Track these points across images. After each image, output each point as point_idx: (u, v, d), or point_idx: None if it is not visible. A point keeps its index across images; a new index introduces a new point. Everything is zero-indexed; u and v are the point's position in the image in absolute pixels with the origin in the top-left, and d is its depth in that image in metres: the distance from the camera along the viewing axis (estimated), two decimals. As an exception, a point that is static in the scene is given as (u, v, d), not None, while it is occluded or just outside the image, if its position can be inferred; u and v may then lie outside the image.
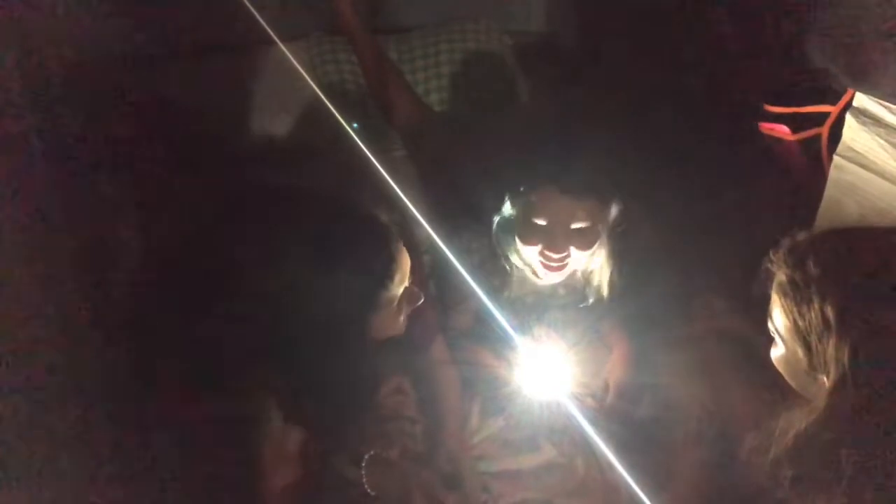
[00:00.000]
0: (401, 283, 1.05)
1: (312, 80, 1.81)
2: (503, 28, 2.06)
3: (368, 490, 1.11)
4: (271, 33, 1.49)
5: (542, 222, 1.20)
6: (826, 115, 1.53)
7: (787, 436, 0.85)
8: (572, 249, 1.22)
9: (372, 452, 1.14)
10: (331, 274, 0.94)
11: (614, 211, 1.24)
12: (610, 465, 1.20)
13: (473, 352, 1.44)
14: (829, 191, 1.42)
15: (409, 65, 1.95)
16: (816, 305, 0.83)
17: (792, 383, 0.94)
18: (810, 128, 1.58)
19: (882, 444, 0.77)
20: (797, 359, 0.90)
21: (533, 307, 1.44)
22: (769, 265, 0.93)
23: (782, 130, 1.63)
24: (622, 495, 1.20)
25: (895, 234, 0.90)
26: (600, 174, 1.18)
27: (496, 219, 1.28)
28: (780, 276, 0.91)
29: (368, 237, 1.01)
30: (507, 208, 1.25)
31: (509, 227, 1.27)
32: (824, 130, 1.53)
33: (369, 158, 1.59)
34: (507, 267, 1.35)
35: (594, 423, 1.22)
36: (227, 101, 1.83)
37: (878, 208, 1.34)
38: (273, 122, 1.83)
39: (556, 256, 1.22)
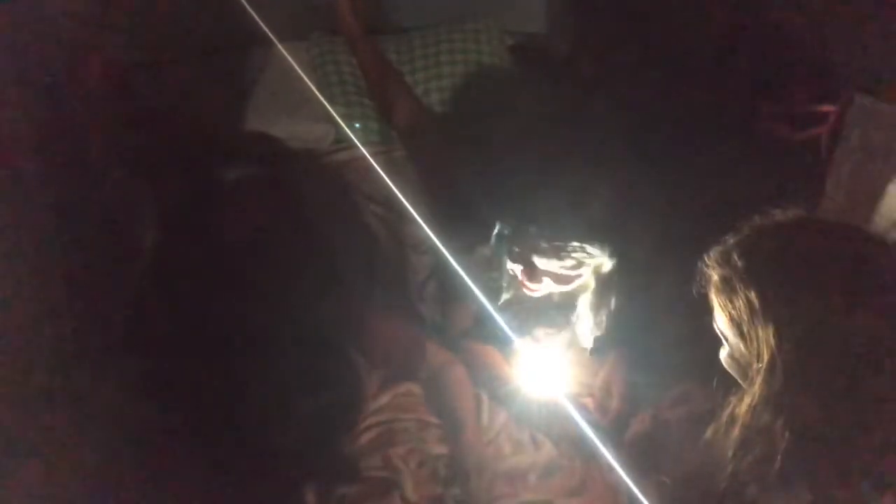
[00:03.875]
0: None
1: (312, 80, 1.80)
2: (503, 28, 2.06)
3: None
4: (270, 35, 1.49)
5: (522, 254, 1.22)
6: (828, 114, 1.53)
7: (734, 426, 0.89)
8: (548, 280, 1.25)
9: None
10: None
11: (606, 264, 1.23)
12: (610, 466, 1.20)
13: (474, 352, 1.44)
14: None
15: (409, 65, 1.95)
16: (742, 295, 0.88)
17: (740, 380, 0.96)
18: (811, 127, 1.59)
19: (808, 421, 0.81)
20: (740, 353, 0.93)
21: (531, 308, 1.44)
22: (705, 268, 0.97)
23: (784, 130, 1.63)
24: (622, 495, 1.20)
25: (820, 226, 0.95)
26: (589, 227, 1.18)
27: (496, 227, 1.29)
28: (714, 275, 0.95)
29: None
30: (499, 225, 1.27)
31: (502, 238, 1.28)
32: (825, 130, 1.53)
33: (369, 158, 1.59)
34: (508, 272, 1.35)
35: (600, 431, 1.23)
36: (227, 102, 1.83)
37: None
38: (274, 123, 1.83)
39: (530, 284, 1.26)
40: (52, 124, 1.03)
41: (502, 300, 1.39)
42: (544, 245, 1.18)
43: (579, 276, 1.25)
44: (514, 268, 1.28)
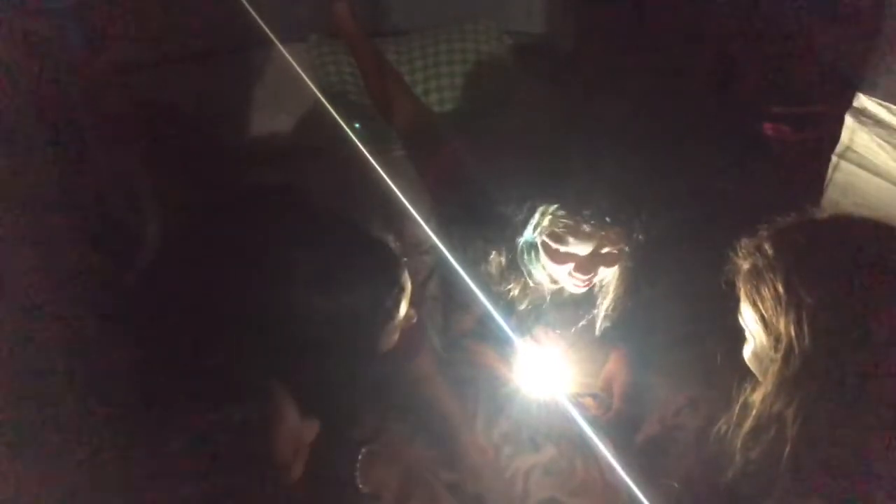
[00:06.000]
0: (405, 308, 1.08)
1: (313, 81, 1.81)
2: (503, 28, 2.06)
3: (360, 486, 1.12)
4: (271, 35, 1.49)
5: (570, 250, 1.21)
6: (826, 115, 1.53)
7: (746, 416, 0.89)
8: (600, 268, 1.24)
9: (365, 450, 1.15)
10: (341, 302, 0.96)
11: (638, 233, 1.23)
12: (610, 465, 1.20)
13: (475, 352, 1.44)
14: (828, 192, 1.42)
15: (408, 66, 1.95)
16: (770, 283, 0.87)
17: (761, 377, 0.95)
18: (811, 128, 1.59)
19: (821, 408, 0.81)
20: (762, 347, 0.92)
21: (533, 309, 1.44)
22: (735, 258, 0.96)
23: (783, 130, 1.64)
24: (622, 495, 1.20)
25: (850, 220, 0.94)
26: (625, 201, 1.17)
27: (520, 241, 1.28)
28: (744, 264, 0.94)
29: (381, 269, 1.03)
30: (530, 233, 1.24)
31: (533, 247, 1.27)
32: (824, 130, 1.53)
33: (369, 158, 1.59)
34: (530, 281, 1.35)
35: (600, 429, 1.23)
36: (229, 103, 1.83)
37: (877, 208, 1.35)
38: (275, 123, 1.83)
39: (585, 277, 1.24)
40: (55, 122, 1.03)
41: (522, 307, 1.39)
42: (587, 227, 1.16)
43: (624, 253, 1.23)
44: (559, 270, 1.26)
